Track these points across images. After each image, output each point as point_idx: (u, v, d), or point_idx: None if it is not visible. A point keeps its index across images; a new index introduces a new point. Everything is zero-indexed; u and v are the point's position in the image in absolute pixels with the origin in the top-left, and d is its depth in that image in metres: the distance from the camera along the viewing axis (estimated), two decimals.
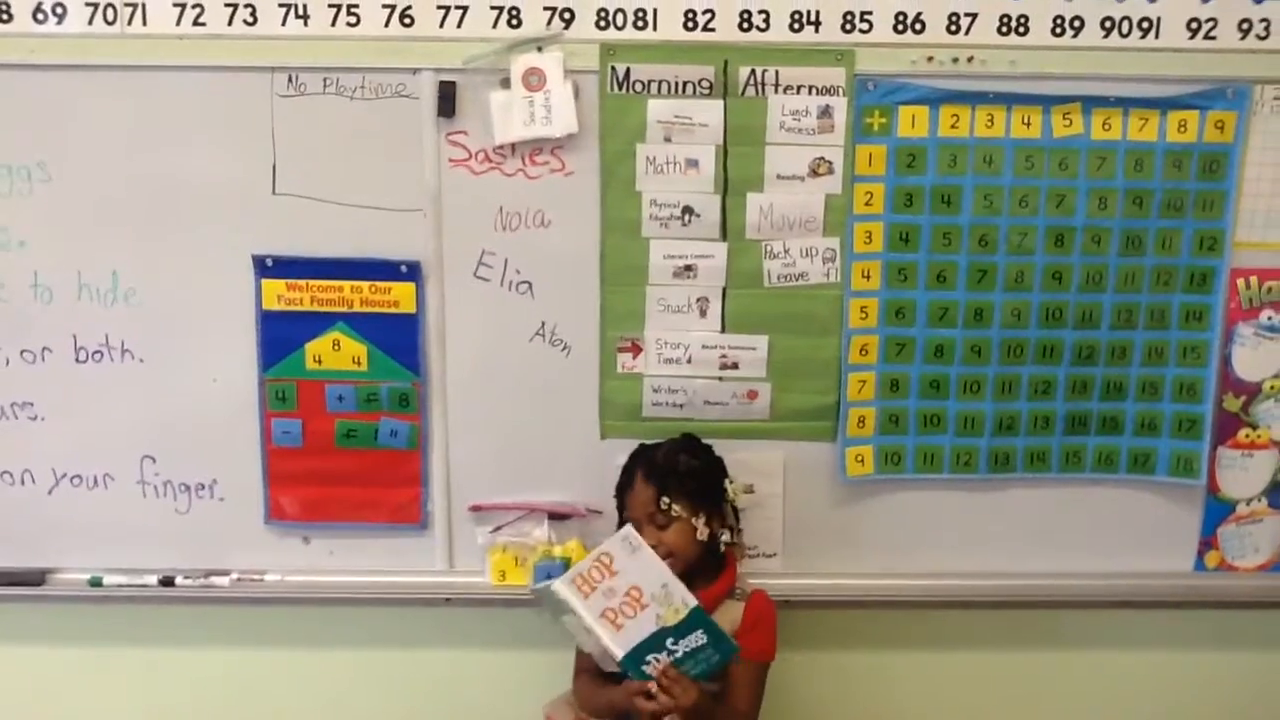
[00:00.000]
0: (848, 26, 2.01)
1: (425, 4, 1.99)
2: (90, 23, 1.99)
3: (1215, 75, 2.03)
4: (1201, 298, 2.13)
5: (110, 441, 2.16)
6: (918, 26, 2.01)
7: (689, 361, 2.13)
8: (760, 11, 2.00)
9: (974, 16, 2.01)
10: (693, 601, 1.81)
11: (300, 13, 1.99)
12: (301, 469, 2.17)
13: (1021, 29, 2.01)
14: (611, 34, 2.01)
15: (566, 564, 2.05)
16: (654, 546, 1.86)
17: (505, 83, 2.01)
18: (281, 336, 2.12)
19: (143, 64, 2.01)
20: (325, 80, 2.02)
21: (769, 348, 2.13)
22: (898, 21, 2.01)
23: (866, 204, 2.08)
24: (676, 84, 2.02)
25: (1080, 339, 2.13)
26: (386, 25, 2.00)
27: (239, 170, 2.05)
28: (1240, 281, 2.13)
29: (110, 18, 1.99)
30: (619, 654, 1.79)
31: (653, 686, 1.79)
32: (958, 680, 2.38)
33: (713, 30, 2.00)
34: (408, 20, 2.00)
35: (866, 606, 2.28)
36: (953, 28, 2.01)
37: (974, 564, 2.24)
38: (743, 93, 2.03)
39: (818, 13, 2.00)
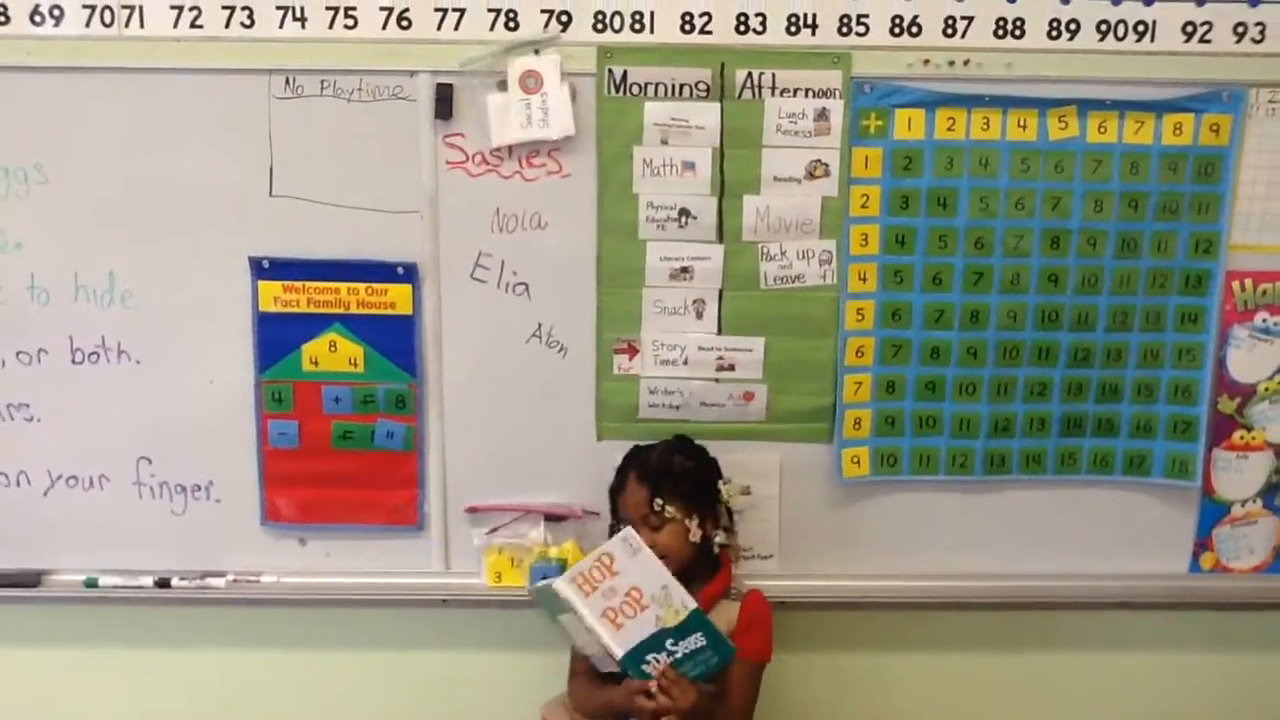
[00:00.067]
0: (844, 29, 2.01)
1: (422, 6, 1.99)
2: (87, 25, 1.99)
3: (1211, 78, 2.04)
4: (1197, 300, 2.14)
5: (106, 443, 2.16)
6: (914, 29, 2.01)
7: (685, 363, 2.14)
8: (757, 14, 2.00)
9: (970, 20, 2.01)
10: (692, 604, 1.82)
11: (297, 15, 1.99)
12: (298, 470, 2.17)
13: (1017, 32, 2.02)
14: (608, 36, 2.01)
15: (562, 565, 2.06)
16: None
17: (502, 85, 2.01)
18: (278, 338, 2.12)
19: (140, 66, 2.00)
20: (322, 82, 2.02)
21: (765, 349, 2.13)
22: (894, 24, 2.01)
23: (863, 206, 2.08)
24: (673, 87, 2.03)
25: (1076, 341, 2.14)
26: (384, 27, 2.00)
27: (236, 172, 2.05)
28: (1235, 284, 2.14)
29: (107, 20, 1.99)
30: (619, 653, 1.79)
31: (653, 686, 1.80)
32: (954, 681, 2.38)
33: (710, 33, 2.01)
34: (405, 22, 2.00)
35: (863, 608, 2.29)
36: (949, 31, 2.02)
37: (970, 565, 2.24)
38: (739, 95, 2.03)
39: (814, 16, 2.00)
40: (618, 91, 2.03)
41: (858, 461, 2.18)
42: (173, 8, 1.99)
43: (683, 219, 2.08)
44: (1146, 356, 2.15)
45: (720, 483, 2.03)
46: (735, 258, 2.09)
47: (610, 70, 2.02)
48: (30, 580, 2.20)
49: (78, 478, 2.18)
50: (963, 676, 2.38)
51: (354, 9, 1.99)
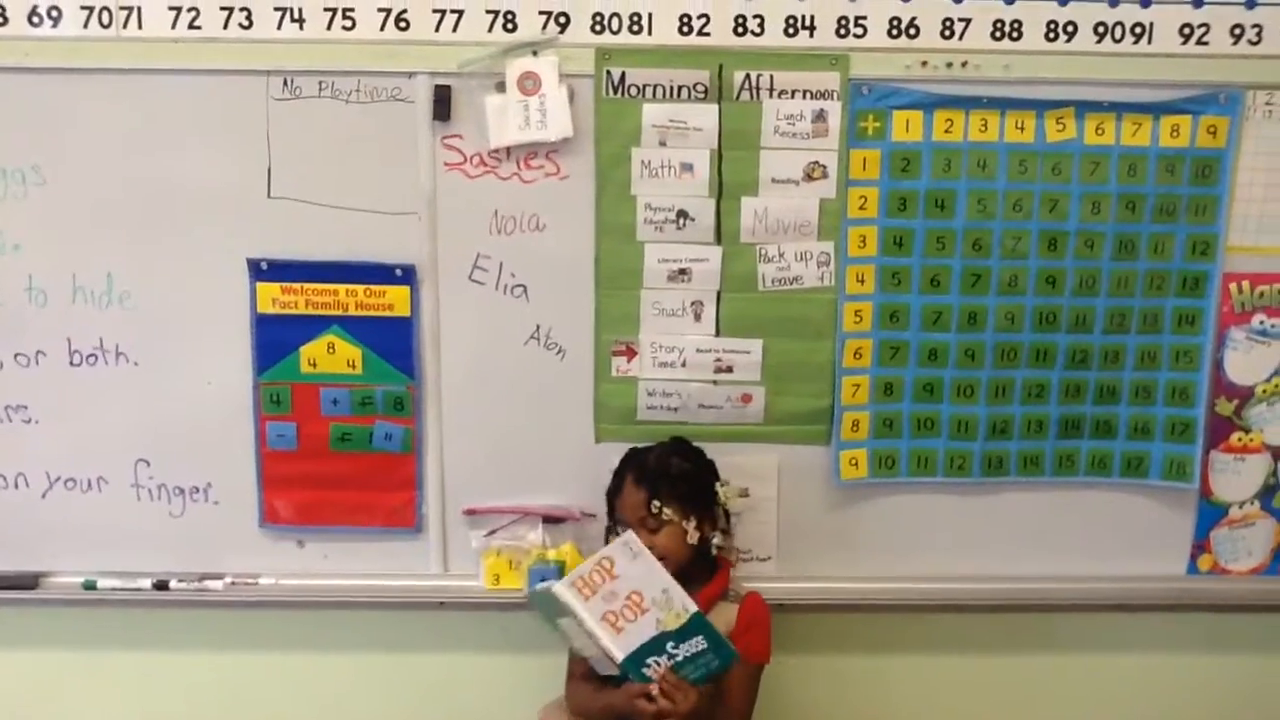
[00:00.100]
0: (842, 31, 2.01)
1: (421, 7, 1.99)
2: (85, 26, 1.99)
3: (1208, 80, 2.04)
4: (1194, 302, 2.14)
5: (104, 445, 2.16)
6: (912, 31, 2.02)
7: (683, 365, 2.14)
8: (755, 16, 2.00)
9: (968, 22, 2.01)
10: (693, 607, 1.81)
11: (296, 16, 1.99)
12: (296, 472, 2.17)
13: (1015, 34, 2.02)
14: (607, 38, 2.01)
15: (561, 568, 2.06)
16: None
17: (500, 87, 2.01)
18: (276, 340, 2.12)
19: (138, 67, 2.01)
20: (320, 84, 2.02)
21: (763, 351, 2.13)
22: (892, 26, 2.01)
23: (861, 208, 2.08)
24: (671, 88, 2.03)
25: (1074, 343, 2.14)
26: (382, 29, 2.00)
27: (234, 173, 2.05)
28: (1233, 286, 2.14)
29: (105, 21, 1.99)
30: (619, 656, 1.79)
31: (653, 689, 1.79)
32: (952, 683, 2.38)
33: (708, 35, 2.01)
34: (403, 24, 2.00)
35: (861, 610, 2.29)
36: (947, 33, 2.02)
37: (968, 567, 2.24)
38: (737, 97, 2.03)
39: (812, 17, 2.01)
40: (616, 93, 2.03)
41: (856, 463, 2.18)
42: (171, 9, 1.99)
43: (681, 221, 2.08)
44: (1144, 358, 2.16)
45: (718, 485, 2.03)
46: (733, 259, 2.09)
47: (608, 72, 2.02)
48: (28, 582, 2.20)
49: (76, 480, 2.18)
50: (961, 678, 2.38)
51: (352, 10, 1.99)
